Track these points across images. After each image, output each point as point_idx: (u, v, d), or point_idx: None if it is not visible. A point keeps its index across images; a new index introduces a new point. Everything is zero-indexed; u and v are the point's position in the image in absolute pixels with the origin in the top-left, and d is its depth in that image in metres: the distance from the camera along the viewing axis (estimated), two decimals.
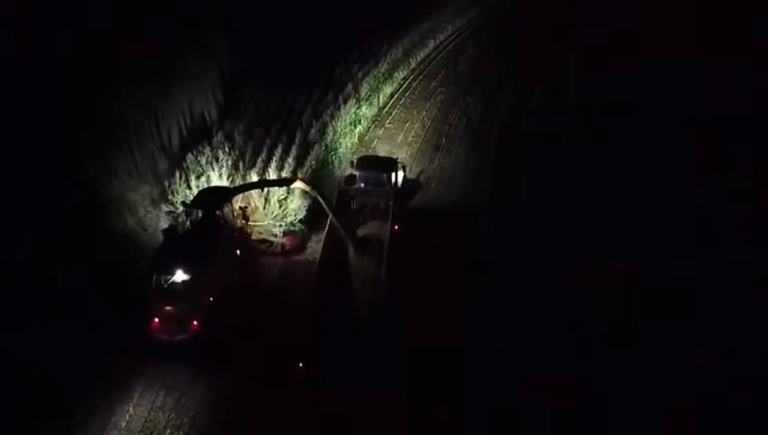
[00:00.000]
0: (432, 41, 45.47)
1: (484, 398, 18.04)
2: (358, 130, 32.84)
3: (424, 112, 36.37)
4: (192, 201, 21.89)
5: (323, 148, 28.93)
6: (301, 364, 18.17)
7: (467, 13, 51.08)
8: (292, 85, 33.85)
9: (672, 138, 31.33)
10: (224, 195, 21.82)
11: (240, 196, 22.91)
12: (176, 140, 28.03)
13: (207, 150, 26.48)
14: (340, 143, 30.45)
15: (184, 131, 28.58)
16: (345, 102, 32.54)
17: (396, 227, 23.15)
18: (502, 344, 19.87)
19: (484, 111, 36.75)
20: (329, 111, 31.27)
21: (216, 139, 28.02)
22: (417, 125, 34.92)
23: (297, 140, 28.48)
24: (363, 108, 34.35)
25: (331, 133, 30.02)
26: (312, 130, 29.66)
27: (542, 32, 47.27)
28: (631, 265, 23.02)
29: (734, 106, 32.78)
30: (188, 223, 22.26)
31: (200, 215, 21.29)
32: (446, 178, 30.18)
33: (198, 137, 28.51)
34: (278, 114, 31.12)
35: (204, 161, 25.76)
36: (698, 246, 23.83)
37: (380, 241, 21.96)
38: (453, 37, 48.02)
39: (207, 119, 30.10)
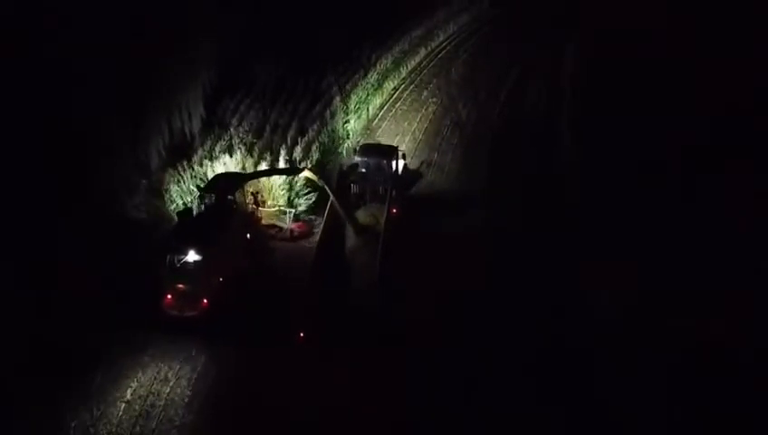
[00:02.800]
0: (423, 48, 44.05)
1: (476, 356, 19.11)
2: (345, 145, 31.41)
3: (415, 124, 35.04)
4: (206, 185, 23.17)
5: (309, 165, 27.55)
6: (302, 334, 19.39)
7: (458, 18, 49.66)
8: (278, 97, 32.46)
9: (672, 136, 30.22)
10: (236, 180, 23.29)
11: (252, 182, 24.44)
12: (154, 159, 26.66)
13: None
14: (328, 160, 28.99)
15: (162, 150, 27.21)
16: (333, 116, 31.11)
17: (394, 211, 24.89)
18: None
19: (478, 122, 35.50)
20: (315, 126, 29.84)
21: (195, 157, 26.67)
22: (407, 138, 33.60)
23: (281, 158, 27.09)
24: (352, 121, 32.97)
25: (317, 150, 28.56)
26: (298, 148, 28.27)
27: (534, 33, 46.28)
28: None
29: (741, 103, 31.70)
30: (202, 206, 22.87)
31: (213, 199, 22.16)
32: (439, 196, 28.90)
33: (178, 154, 27.19)
34: (262, 129, 29.66)
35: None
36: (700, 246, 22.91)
37: (378, 223, 23.88)
38: (444, 44, 46.70)
39: (187, 135, 28.69)
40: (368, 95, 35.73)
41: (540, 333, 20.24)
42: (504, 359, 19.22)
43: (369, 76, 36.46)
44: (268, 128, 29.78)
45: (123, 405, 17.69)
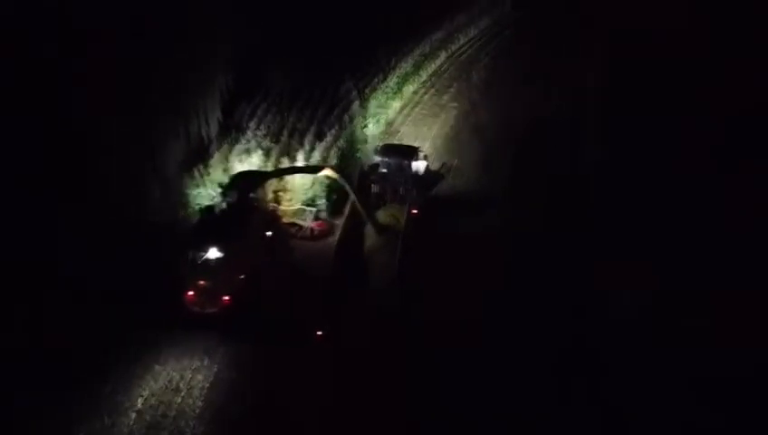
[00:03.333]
0: (443, 52, 43.45)
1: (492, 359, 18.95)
2: (363, 150, 30.93)
3: (435, 129, 34.49)
4: (228, 184, 23.18)
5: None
6: (319, 332, 19.73)
7: (480, 21, 48.96)
8: (295, 101, 32.10)
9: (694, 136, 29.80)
10: (258, 179, 23.53)
11: (273, 181, 24.85)
12: (171, 165, 26.42)
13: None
14: (346, 165, 28.56)
15: (179, 153, 26.97)
16: (351, 121, 30.67)
17: (414, 211, 24.88)
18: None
19: (499, 127, 34.79)
20: (333, 131, 29.40)
21: (212, 161, 26.42)
22: (427, 143, 33.04)
23: (299, 163, 26.76)
24: (370, 125, 32.50)
25: (335, 155, 28.13)
26: (316, 152, 27.88)
27: (556, 35, 45.45)
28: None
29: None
30: (224, 204, 22.85)
31: (235, 197, 22.18)
32: (459, 198, 28.58)
33: (195, 158, 26.95)
34: (279, 133, 29.30)
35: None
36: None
37: (398, 223, 23.97)
38: (465, 47, 46.06)
39: (205, 139, 28.43)
40: (387, 99, 35.25)
41: (558, 333, 20.10)
42: (522, 360, 19.18)
43: (388, 80, 35.98)
44: (285, 132, 29.42)
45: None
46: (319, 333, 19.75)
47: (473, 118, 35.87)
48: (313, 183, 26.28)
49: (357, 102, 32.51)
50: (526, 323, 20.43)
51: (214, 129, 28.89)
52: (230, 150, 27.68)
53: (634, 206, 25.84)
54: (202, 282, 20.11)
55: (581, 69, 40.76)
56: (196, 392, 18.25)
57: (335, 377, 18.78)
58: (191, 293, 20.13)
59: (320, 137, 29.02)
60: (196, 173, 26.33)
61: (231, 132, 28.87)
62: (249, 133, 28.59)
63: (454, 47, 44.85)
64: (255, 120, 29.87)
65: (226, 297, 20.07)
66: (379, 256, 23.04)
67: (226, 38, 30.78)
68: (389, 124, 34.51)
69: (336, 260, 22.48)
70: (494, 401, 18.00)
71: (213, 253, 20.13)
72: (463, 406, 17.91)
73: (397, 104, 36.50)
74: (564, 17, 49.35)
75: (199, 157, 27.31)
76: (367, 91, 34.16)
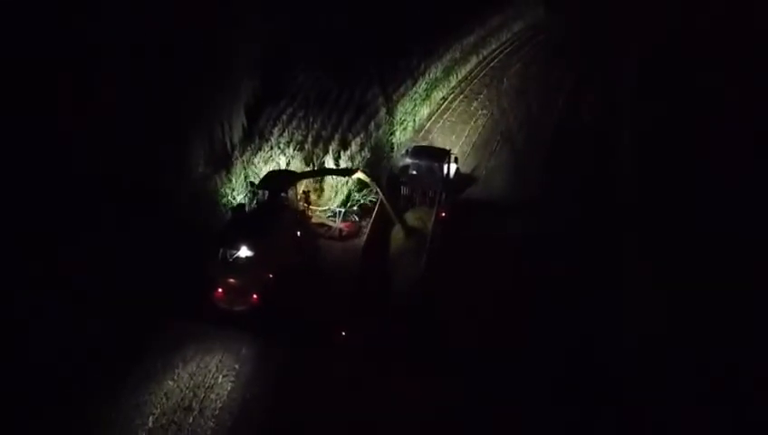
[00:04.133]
0: (474, 57, 42.51)
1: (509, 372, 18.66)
2: (388, 159, 30.19)
3: (463, 137, 33.58)
4: (260, 182, 23.23)
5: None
6: (343, 333, 19.60)
7: (513, 26, 47.92)
8: (321, 107, 31.49)
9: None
10: (289, 179, 23.43)
11: (304, 181, 24.80)
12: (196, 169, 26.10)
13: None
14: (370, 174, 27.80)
15: (202, 159, 26.62)
16: (378, 128, 29.94)
17: (443, 215, 24.61)
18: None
19: (529, 137, 33.81)
20: (359, 139, 28.71)
21: (233, 168, 25.97)
22: (455, 151, 32.09)
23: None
24: (397, 133, 31.74)
25: (361, 163, 27.44)
26: (341, 161, 27.23)
27: (590, 40, 44.29)
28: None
29: None
30: (255, 203, 23.20)
31: (266, 196, 22.35)
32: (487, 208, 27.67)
33: (218, 164, 26.57)
34: (303, 141, 28.70)
35: None
36: None
37: (426, 226, 23.57)
38: (497, 52, 45.07)
39: (228, 144, 28.00)
40: (415, 106, 34.42)
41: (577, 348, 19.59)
42: (537, 378, 18.59)
43: (417, 85, 35.16)
44: (310, 139, 28.81)
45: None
46: (343, 333, 19.74)
47: (503, 126, 34.92)
48: (344, 184, 26.46)
49: (384, 109, 31.69)
50: (549, 333, 20.07)
51: (237, 134, 28.35)
52: (252, 157, 27.12)
53: (667, 212, 25.21)
54: (231, 280, 20.23)
55: (614, 75, 39.81)
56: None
57: (352, 379, 18.58)
58: (220, 290, 20.25)
59: (344, 145, 28.28)
60: (218, 180, 25.87)
61: (255, 138, 28.28)
62: (272, 140, 27.96)
63: (485, 52, 43.90)
64: (280, 125, 29.27)
65: (255, 296, 20.20)
66: (406, 257, 22.66)
67: (252, 39, 30.31)
68: (417, 132, 33.65)
69: (363, 261, 22.39)
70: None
71: (244, 251, 20.20)
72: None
73: (425, 111, 35.66)
74: (598, 21, 48.28)
75: (222, 163, 26.87)
76: (395, 97, 33.33)
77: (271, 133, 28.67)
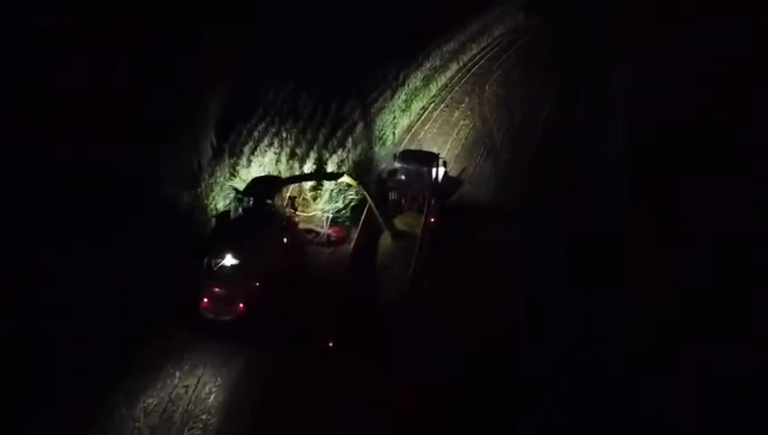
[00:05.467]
0: (455, 63, 41.07)
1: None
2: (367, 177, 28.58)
3: (445, 151, 32.07)
4: (245, 189, 22.71)
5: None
6: (330, 344, 19.22)
7: (493, 31, 46.54)
8: (295, 122, 29.80)
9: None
10: (275, 184, 23.03)
11: (290, 186, 24.45)
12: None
13: None
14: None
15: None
16: (356, 145, 28.35)
17: (432, 220, 24.21)
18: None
19: (513, 149, 32.50)
20: (337, 157, 27.12)
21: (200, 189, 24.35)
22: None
23: None
24: (376, 148, 30.20)
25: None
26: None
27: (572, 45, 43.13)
28: None
29: None
30: (240, 210, 22.71)
31: (251, 203, 21.91)
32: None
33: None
34: (277, 160, 27.04)
35: None
36: None
37: (415, 232, 23.22)
38: (477, 58, 43.67)
39: (195, 165, 26.21)
40: (394, 118, 32.91)
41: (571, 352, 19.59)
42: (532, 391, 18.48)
43: (396, 97, 33.62)
44: (284, 157, 27.15)
45: None
46: (330, 344, 19.28)
47: (485, 138, 33.57)
48: (332, 189, 26.00)
49: (362, 123, 30.10)
50: (543, 343, 20.00)
51: (206, 155, 26.58)
52: (222, 178, 25.45)
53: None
54: (217, 289, 19.77)
55: (595, 80, 38.69)
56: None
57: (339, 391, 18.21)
58: (206, 300, 19.77)
59: (321, 163, 26.74)
60: (186, 197, 24.26)
61: (224, 158, 26.53)
62: (244, 160, 26.26)
63: (465, 58, 42.48)
64: (251, 143, 27.55)
65: (242, 305, 19.76)
66: (394, 264, 22.43)
67: (218, 53, 28.53)
68: (397, 145, 32.12)
69: (351, 267, 21.98)
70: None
71: (229, 259, 19.77)
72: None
73: (405, 122, 34.18)
74: (577, 24, 47.13)
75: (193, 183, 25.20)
76: (373, 109, 31.75)
77: (241, 152, 26.93)
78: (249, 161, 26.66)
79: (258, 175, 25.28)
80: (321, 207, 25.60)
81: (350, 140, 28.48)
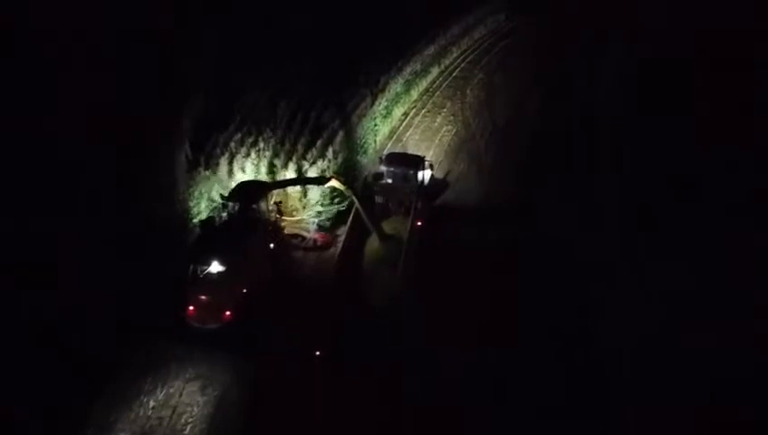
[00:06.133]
0: (436, 67, 40.37)
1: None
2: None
3: (429, 157, 31.28)
4: (230, 194, 22.34)
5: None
6: (318, 353, 19.01)
7: (474, 33, 45.88)
8: (274, 131, 28.90)
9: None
10: (260, 189, 22.68)
11: (276, 191, 24.11)
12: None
13: None
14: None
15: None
16: (336, 156, 27.52)
17: (419, 223, 23.88)
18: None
19: (497, 155, 31.83)
20: (316, 168, 26.29)
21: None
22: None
23: None
24: (358, 157, 29.40)
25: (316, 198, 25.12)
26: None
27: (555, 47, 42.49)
28: None
29: None
30: (225, 215, 22.43)
31: (237, 208, 21.55)
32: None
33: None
34: (256, 173, 26.14)
35: None
36: None
37: (402, 235, 22.99)
38: (459, 61, 42.99)
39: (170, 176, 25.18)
40: (375, 125, 32.13)
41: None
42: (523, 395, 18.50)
43: (377, 103, 32.83)
44: (263, 170, 26.26)
45: None
46: (317, 353, 19.03)
47: (469, 144, 32.91)
48: (318, 194, 25.78)
49: (342, 132, 29.28)
50: (534, 347, 19.82)
51: (180, 169, 25.58)
52: (197, 191, 24.55)
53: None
54: (203, 297, 19.42)
55: (578, 81, 38.15)
56: None
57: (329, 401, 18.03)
58: (191, 308, 19.42)
59: (300, 174, 25.92)
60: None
61: (198, 171, 25.58)
62: (219, 174, 25.33)
63: (446, 62, 41.79)
64: (227, 155, 26.62)
65: (228, 312, 19.47)
66: (382, 269, 22.31)
67: (197, 56, 27.52)
68: (379, 152, 31.32)
69: (338, 272, 21.76)
70: None
71: (215, 267, 19.49)
72: None
73: (386, 129, 33.43)
74: (559, 25, 46.60)
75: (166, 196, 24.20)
76: (353, 117, 30.93)
77: (217, 164, 25.99)
78: (231, 173, 25.75)
79: (243, 180, 24.82)
80: (307, 211, 25.31)
81: (330, 150, 27.59)
